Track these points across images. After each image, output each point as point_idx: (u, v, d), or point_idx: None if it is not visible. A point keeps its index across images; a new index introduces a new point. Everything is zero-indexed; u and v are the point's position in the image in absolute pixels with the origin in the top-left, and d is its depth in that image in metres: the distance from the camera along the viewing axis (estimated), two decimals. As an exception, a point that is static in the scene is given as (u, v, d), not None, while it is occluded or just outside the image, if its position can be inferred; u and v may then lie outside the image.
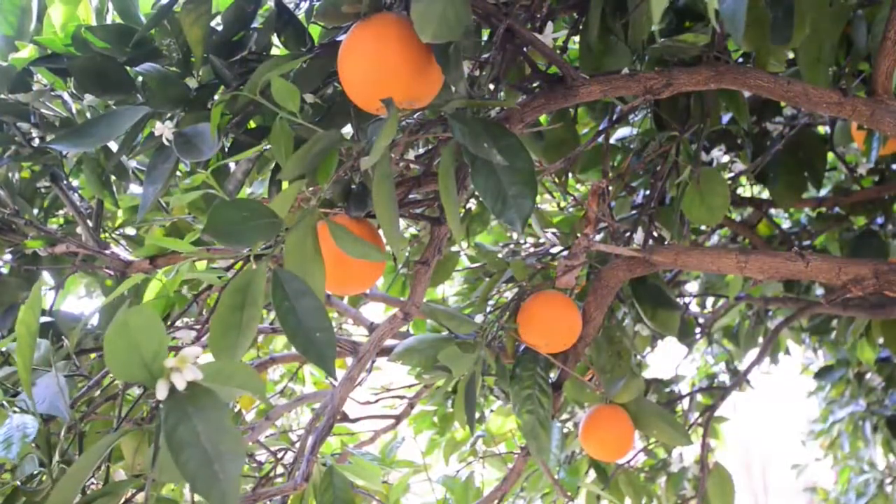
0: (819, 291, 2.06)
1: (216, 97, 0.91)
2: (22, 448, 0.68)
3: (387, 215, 0.73)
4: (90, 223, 1.09)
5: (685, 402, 2.00)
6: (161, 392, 0.55)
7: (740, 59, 1.30)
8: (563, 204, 1.79)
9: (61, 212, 1.27)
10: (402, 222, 1.65)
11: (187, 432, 0.52)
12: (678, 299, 1.94)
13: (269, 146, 0.91)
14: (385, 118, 0.70)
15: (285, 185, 0.77)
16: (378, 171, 0.71)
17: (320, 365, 0.63)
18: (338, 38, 0.89)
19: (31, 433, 0.68)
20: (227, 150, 0.98)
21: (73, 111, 0.96)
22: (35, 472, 0.78)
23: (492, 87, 0.96)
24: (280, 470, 1.28)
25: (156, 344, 0.55)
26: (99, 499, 0.61)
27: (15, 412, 0.74)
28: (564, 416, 1.69)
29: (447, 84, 0.78)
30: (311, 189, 0.75)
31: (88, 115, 0.98)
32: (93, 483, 0.93)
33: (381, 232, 0.92)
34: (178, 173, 1.04)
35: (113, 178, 1.11)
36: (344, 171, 0.77)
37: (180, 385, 0.55)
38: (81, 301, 1.54)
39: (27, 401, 0.73)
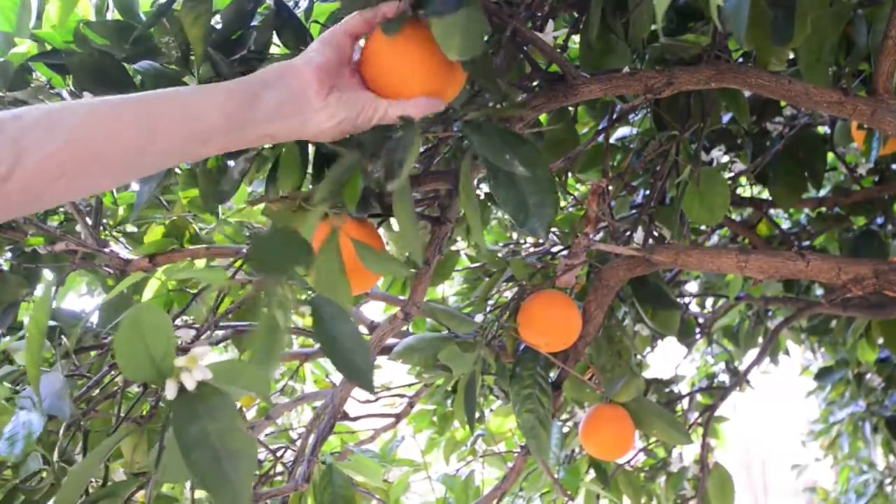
0: (819, 292, 2.06)
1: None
2: (26, 446, 0.68)
3: (408, 229, 0.73)
4: (89, 221, 1.09)
5: (685, 402, 2.00)
6: (170, 391, 0.55)
7: (740, 59, 1.30)
8: (563, 203, 1.79)
9: (61, 210, 1.27)
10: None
11: (197, 432, 0.52)
12: (678, 299, 1.94)
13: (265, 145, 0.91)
14: (404, 134, 0.70)
15: (282, 185, 0.77)
16: (397, 190, 0.71)
17: (360, 384, 0.63)
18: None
19: (37, 431, 0.68)
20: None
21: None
22: (34, 471, 0.77)
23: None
24: (280, 469, 1.28)
25: (165, 343, 0.55)
26: (102, 500, 0.61)
27: (21, 409, 0.73)
28: (564, 416, 1.69)
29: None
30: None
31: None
32: (91, 482, 0.92)
33: (380, 231, 0.92)
34: (178, 170, 1.04)
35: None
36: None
37: (190, 385, 0.55)
38: (83, 299, 1.54)
39: (33, 397, 0.73)
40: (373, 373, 0.65)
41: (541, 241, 1.60)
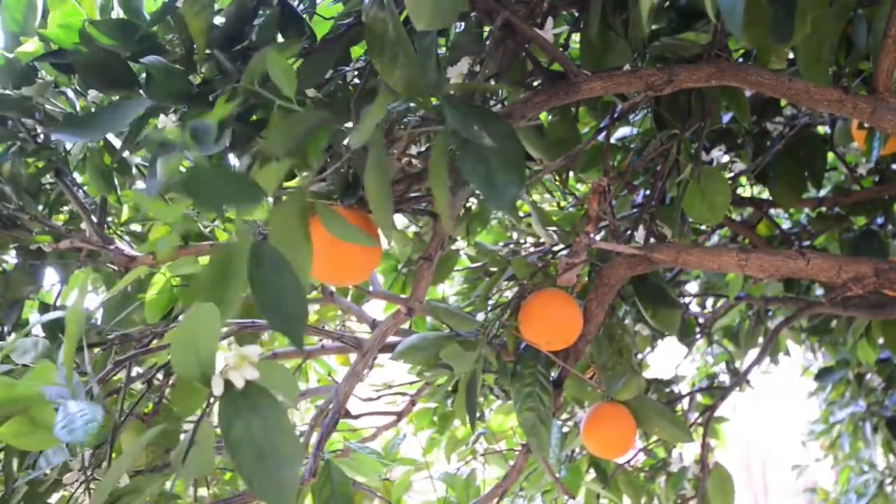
0: (819, 292, 2.06)
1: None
2: (88, 434, 0.66)
3: (378, 200, 0.72)
4: (94, 219, 1.09)
5: (685, 402, 2.00)
6: (217, 388, 0.55)
7: (741, 59, 1.31)
8: (563, 203, 1.79)
9: (66, 208, 1.27)
10: (404, 221, 1.65)
11: (243, 430, 0.52)
12: (679, 299, 1.94)
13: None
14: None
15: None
16: (371, 155, 0.71)
17: (289, 335, 0.62)
18: (340, 32, 0.89)
19: (98, 417, 0.66)
20: (228, 144, 0.98)
21: (78, 107, 0.97)
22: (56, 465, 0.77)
23: (492, 83, 0.97)
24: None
25: (210, 342, 0.55)
26: (125, 496, 0.61)
27: (67, 401, 0.72)
28: (564, 416, 1.69)
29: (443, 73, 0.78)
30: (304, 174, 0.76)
31: (93, 111, 0.98)
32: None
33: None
34: (182, 169, 1.04)
35: (116, 175, 1.12)
36: (341, 165, 0.77)
37: (239, 383, 0.55)
38: (88, 297, 1.54)
39: (65, 391, 0.72)
40: (303, 325, 0.63)
41: (541, 239, 1.61)
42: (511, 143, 0.75)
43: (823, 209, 1.84)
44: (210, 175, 0.64)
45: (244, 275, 0.65)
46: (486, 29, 1.06)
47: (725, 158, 1.52)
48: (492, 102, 1.15)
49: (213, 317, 0.54)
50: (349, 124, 0.97)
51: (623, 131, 1.56)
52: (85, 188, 1.23)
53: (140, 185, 1.16)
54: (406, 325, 1.64)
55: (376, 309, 2.45)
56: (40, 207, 1.19)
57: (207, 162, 0.76)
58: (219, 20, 0.95)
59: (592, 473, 1.59)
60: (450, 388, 1.83)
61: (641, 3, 0.64)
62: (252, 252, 0.65)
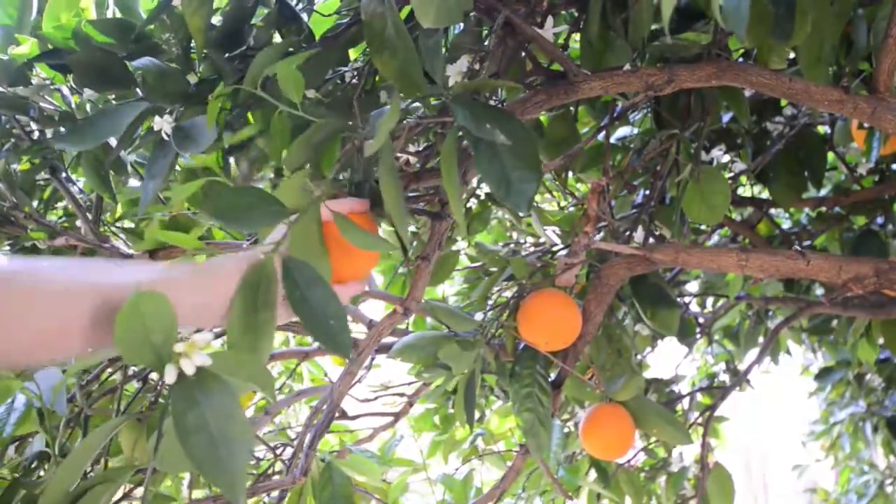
0: (819, 292, 2.06)
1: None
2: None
3: (396, 208, 0.73)
4: (90, 216, 1.09)
5: (685, 402, 2.00)
6: (170, 377, 0.55)
7: (741, 59, 1.30)
8: (563, 203, 1.79)
9: (60, 205, 1.27)
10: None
11: (195, 418, 0.52)
12: (678, 299, 1.94)
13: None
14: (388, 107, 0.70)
15: (272, 154, 0.77)
16: (382, 164, 0.71)
17: (336, 351, 0.63)
18: (338, 31, 0.89)
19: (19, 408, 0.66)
20: (229, 147, 0.98)
21: (73, 105, 0.96)
22: (33, 466, 0.77)
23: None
24: (279, 467, 1.28)
25: (166, 329, 0.55)
26: (98, 485, 0.60)
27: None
28: (565, 416, 1.69)
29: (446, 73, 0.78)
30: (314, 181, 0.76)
31: (88, 109, 0.97)
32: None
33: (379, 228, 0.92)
34: (178, 168, 1.04)
35: (112, 173, 1.11)
36: (344, 163, 0.77)
37: (189, 370, 0.55)
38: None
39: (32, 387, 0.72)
40: (349, 338, 0.64)
41: (540, 239, 1.60)
42: (524, 140, 0.74)
43: (823, 209, 1.83)
44: (234, 195, 0.64)
45: (275, 297, 0.65)
46: (485, 28, 1.06)
47: (725, 158, 1.51)
48: (491, 102, 1.14)
49: (163, 304, 0.54)
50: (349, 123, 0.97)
51: (623, 131, 1.56)
52: (80, 185, 1.23)
53: (134, 183, 1.16)
54: (405, 326, 1.64)
55: (376, 309, 2.45)
56: (35, 204, 1.18)
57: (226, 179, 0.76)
58: (216, 20, 0.94)
59: (593, 474, 1.59)
60: (449, 389, 1.83)
61: (664, 4, 0.63)
62: (285, 270, 0.65)
